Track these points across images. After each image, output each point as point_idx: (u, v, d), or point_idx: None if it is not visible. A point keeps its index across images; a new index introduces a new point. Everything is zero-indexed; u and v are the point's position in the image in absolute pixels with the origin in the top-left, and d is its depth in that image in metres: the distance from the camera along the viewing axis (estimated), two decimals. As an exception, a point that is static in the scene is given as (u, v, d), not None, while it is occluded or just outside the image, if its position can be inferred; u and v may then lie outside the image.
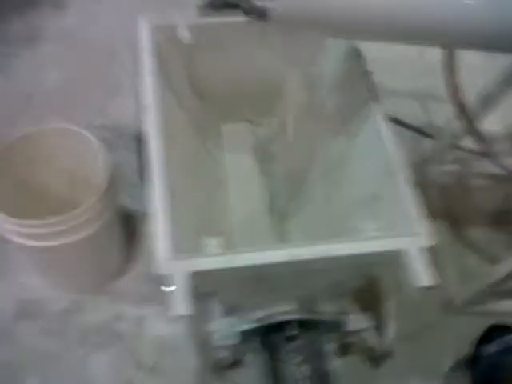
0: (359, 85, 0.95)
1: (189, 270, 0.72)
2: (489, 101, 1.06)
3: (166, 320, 1.14)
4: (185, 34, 0.96)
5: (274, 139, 1.21)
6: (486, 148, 1.10)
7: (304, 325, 0.98)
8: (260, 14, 0.75)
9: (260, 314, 0.96)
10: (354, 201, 0.96)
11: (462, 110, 1.08)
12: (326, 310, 0.99)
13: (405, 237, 0.79)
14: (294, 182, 1.13)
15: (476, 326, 1.07)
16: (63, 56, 1.61)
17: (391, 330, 0.99)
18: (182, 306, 0.71)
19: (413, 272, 0.76)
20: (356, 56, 0.97)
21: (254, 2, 0.74)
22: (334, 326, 1.01)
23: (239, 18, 0.96)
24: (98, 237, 1.00)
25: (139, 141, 1.17)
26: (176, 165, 0.87)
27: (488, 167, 1.40)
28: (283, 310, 0.97)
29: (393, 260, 0.80)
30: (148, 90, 0.90)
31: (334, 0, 0.72)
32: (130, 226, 1.25)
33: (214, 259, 0.74)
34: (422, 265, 0.77)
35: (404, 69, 1.61)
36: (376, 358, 1.10)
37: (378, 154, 0.89)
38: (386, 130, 0.89)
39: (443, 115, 1.49)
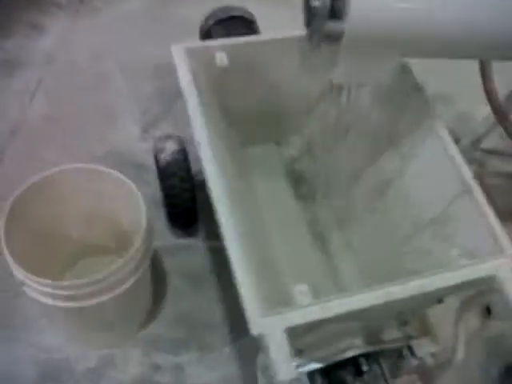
0: (410, 100, 0.90)
1: (287, 325, 0.64)
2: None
3: (208, 366, 1.04)
4: (220, 57, 0.88)
5: (305, 160, 1.14)
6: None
7: (370, 356, 0.92)
8: (335, 37, 0.67)
9: (325, 351, 0.89)
10: (417, 221, 0.90)
11: (500, 114, 1.05)
12: (391, 337, 0.94)
13: (496, 260, 0.75)
14: (335, 202, 1.07)
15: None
16: (48, 82, 1.45)
17: (460, 353, 0.95)
18: (286, 368, 0.62)
19: (506, 295, 0.73)
20: (405, 71, 0.92)
21: (327, 25, 0.67)
22: (400, 353, 0.96)
23: (271, 36, 0.92)
24: (132, 290, 0.88)
25: (160, 169, 1.08)
26: (236, 202, 0.78)
27: (505, 166, 1.41)
28: (350, 344, 0.90)
29: (482, 284, 0.76)
30: (198, 124, 0.81)
31: (417, 17, 0.66)
32: (153, 264, 1.13)
33: (310, 310, 0.66)
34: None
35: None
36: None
37: (445, 172, 0.84)
38: (453, 147, 0.84)
39: (451, 116, 1.50)
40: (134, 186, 0.91)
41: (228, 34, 1.14)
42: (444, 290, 0.74)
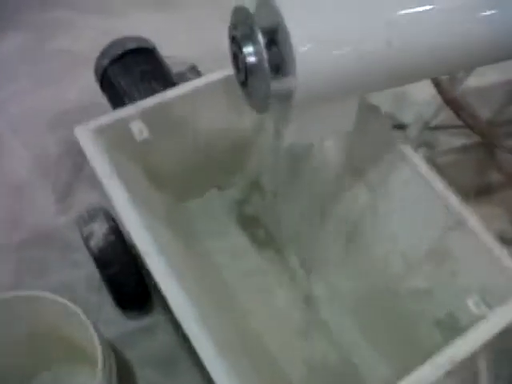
0: (368, 124, 0.77)
1: None
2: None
3: None
4: (138, 129, 0.70)
5: (254, 200, 0.99)
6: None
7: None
8: (284, 96, 0.53)
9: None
10: (407, 259, 0.79)
11: (453, 104, 0.96)
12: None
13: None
14: (302, 245, 0.94)
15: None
16: None
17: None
18: None
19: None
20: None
21: (272, 85, 0.52)
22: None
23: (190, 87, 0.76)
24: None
25: (95, 259, 0.90)
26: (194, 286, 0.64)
27: (454, 141, 1.34)
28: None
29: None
30: (130, 219, 0.64)
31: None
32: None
33: None
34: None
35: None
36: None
37: (427, 202, 0.73)
38: (431, 175, 0.73)
39: (388, 99, 1.39)
40: (80, 312, 0.74)
41: (128, 73, 0.98)
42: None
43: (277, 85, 0.52)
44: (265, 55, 0.50)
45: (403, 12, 0.53)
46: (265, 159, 0.94)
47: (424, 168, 0.74)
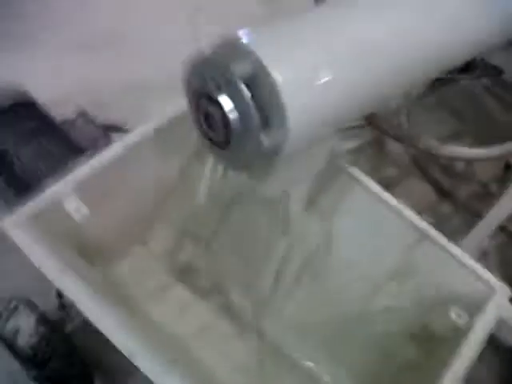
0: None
1: None
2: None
3: None
4: (75, 208, 0.60)
5: (186, 250, 0.91)
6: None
7: None
8: (272, 151, 0.47)
9: None
10: (373, 279, 0.78)
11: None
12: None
13: (492, 301, 0.67)
14: (252, 286, 0.88)
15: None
16: None
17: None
18: None
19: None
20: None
21: (263, 141, 0.46)
22: None
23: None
24: None
25: (25, 359, 0.74)
26: None
27: (347, 144, 1.32)
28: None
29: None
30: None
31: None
32: None
33: None
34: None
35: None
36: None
37: (386, 225, 0.73)
38: (385, 196, 0.72)
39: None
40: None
41: (11, 135, 0.85)
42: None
43: (266, 139, 0.46)
44: (252, 108, 0.44)
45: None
46: (194, 206, 0.87)
47: (376, 187, 0.73)
